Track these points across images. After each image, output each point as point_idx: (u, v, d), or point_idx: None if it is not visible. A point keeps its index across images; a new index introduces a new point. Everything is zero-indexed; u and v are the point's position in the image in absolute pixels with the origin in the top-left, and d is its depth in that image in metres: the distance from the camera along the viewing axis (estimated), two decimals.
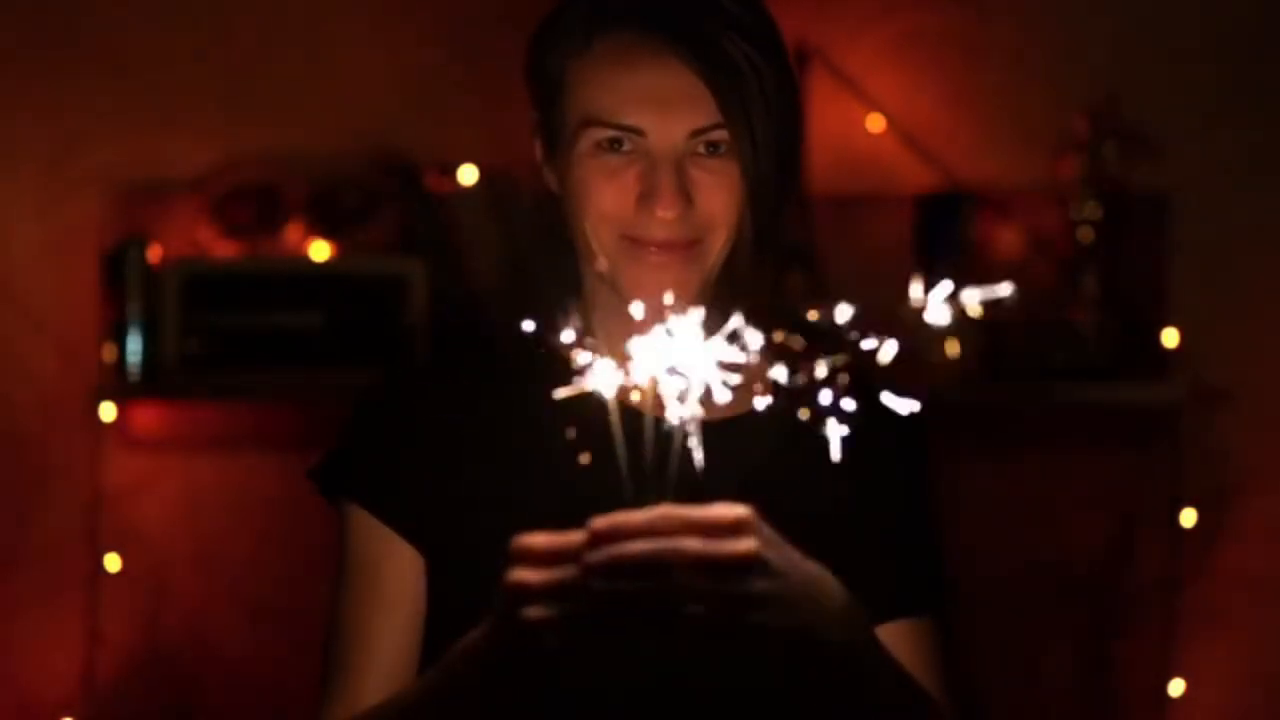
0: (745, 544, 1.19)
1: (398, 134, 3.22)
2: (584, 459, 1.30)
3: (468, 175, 3.15)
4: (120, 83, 3.21)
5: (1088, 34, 3.24)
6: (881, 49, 3.23)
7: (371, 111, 3.23)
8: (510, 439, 1.60)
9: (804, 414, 1.25)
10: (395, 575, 1.58)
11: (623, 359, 1.23)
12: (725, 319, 1.62)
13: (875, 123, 3.22)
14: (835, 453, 1.25)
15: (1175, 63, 3.22)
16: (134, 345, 3.06)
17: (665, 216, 1.53)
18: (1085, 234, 3.14)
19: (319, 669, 1.60)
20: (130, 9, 3.22)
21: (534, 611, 1.20)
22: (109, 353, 3.08)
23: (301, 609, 3.06)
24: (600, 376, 1.23)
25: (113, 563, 3.16)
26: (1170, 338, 3.15)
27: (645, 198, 1.54)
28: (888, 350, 1.27)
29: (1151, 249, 3.22)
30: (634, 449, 1.23)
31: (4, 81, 3.21)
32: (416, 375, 1.68)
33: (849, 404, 1.26)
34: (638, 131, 1.54)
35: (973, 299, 1.24)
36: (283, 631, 3.20)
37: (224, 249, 3.15)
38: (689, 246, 1.55)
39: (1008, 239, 3.23)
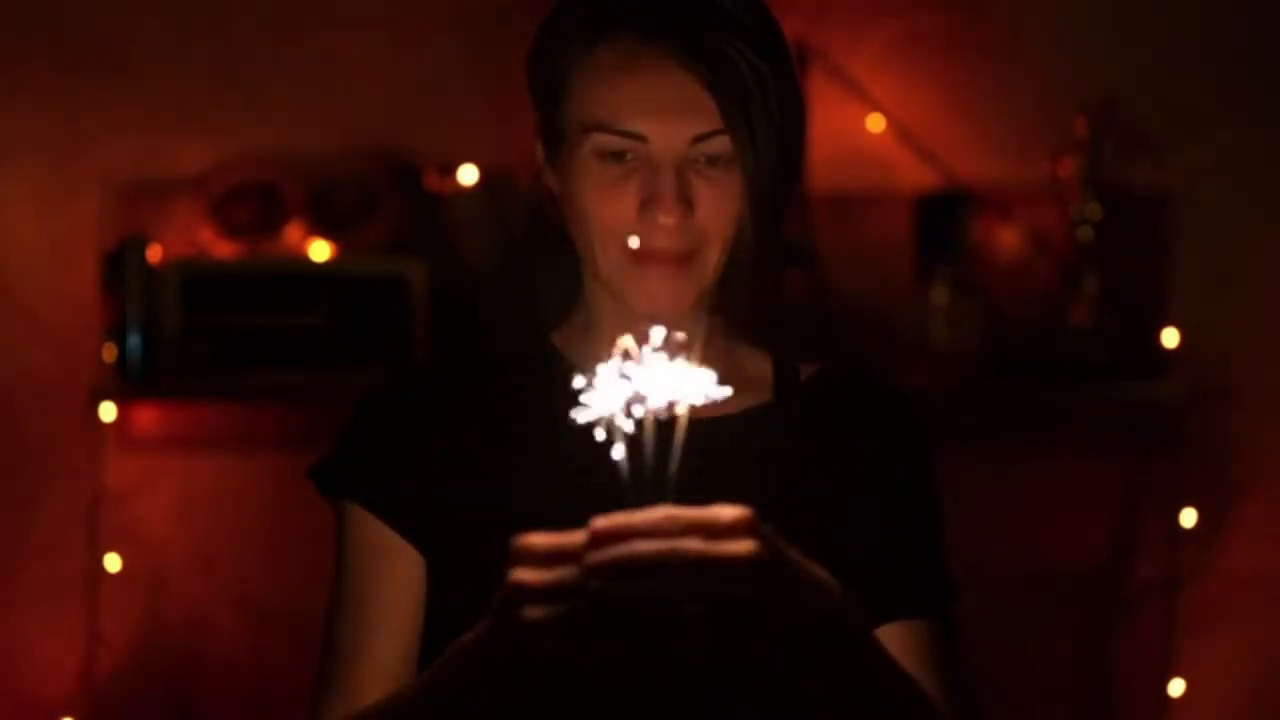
0: (745, 545, 1.19)
1: (398, 134, 3.22)
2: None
3: (468, 175, 3.15)
4: (120, 83, 3.21)
5: (1087, 34, 3.25)
6: (882, 50, 3.23)
7: (371, 111, 3.23)
8: (511, 440, 1.60)
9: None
10: (394, 575, 1.58)
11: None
12: (725, 323, 1.63)
13: (875, 123, 3.22)
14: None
15: (1175, 63, 3.22)
16: (134, 345, 3.05)
17: (666, 223, 1.53)
18: (1085, 234, 3.14)
19: (317, 668, 1.60)
20: (131, 9, 3.22)
21: (534, 611, 1.20)
22: (109, 353, 3.08)
23: (301, 609, 3.05)
24: (601, 384, 1.23)
25: (113, 563, 3.16)
26: (1170, 338, 3.15)
27: (646, 204, 1.54)
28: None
29: (1151, 249, 3.23)
30: (634, 449, 1.23)
31: (5, 81, 3.21)
32: (418, 376, 1.69)
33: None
34: (639, 137, 1.54)
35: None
36: (282, 631, 3.20)
37: (224, 249, 3.15)
38: (687, 258, 1.55)
39: (1008, 239, 3.24)
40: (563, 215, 1.60)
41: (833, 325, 3.11)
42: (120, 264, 3.06)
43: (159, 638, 3.22)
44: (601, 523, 1.18)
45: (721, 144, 1.54)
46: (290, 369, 3.07)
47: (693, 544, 1.18)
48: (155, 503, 3.22)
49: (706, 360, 1.24)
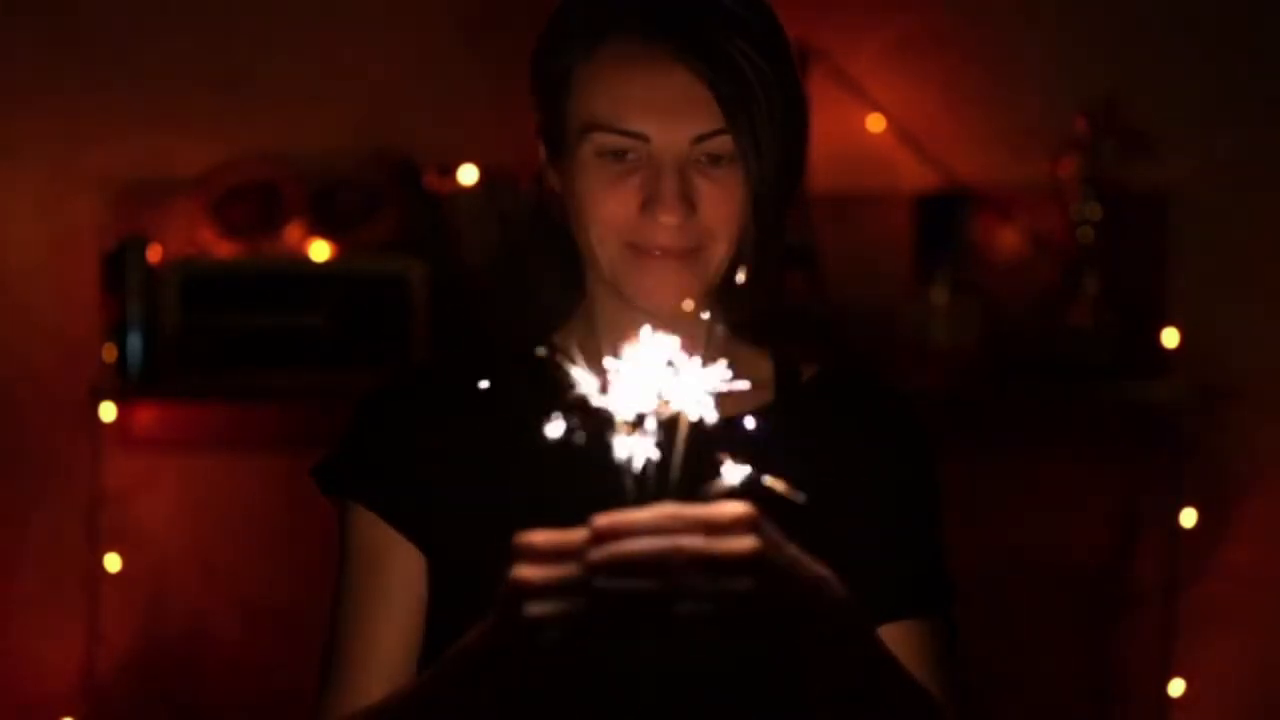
0: (747, 542, 1.19)
1: (398, 134, 3.22)
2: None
3: (468, 175, 3.15)
4: (120, 83, 3.21)
5: (1087, 34, 3.25)
6: (882, 50, 3.23)
7: (371, 111, 3.23)
8: (512, 438, 1.60)
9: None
10: (397, 573, 1.59)
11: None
12: (727, 322, 1.63)
13: (875, 123, 3.22)
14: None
15: (1175, 63, 3.23)
16: (134, 345, 3.05)
17: (668, 222, 1.53)
18: (1085, 234, 3.14)
19: (319, 668, 1.61)
20: (130, 9, 3.22)
21: (535, 608, 1.20)
22: (109, 353, 3.08)
23: (301, 609, 3.07)
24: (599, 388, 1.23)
25: (113, 563, 3.16)
26: (1170, 338, 3.15)
27: (648, 203, 1.54)
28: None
29: (1151, 249, 3.23)
30: (636, 448, 1.23)
31: (5, 81, 3.21)
32: (419, 376, 1.69)
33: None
34: (641, 137, 1.54)
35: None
36: (282, 631, 3.20)
37: (224, 249, 3.15)
38: (690, 254, 1.55)
39: (1008, 239, 3.24)
40: (565, 215, 1.61)
41: (833, 325, 3.11)
42: (120, 264, 3.06)
43: (159, 638, 3.22)
44: (603, 520, 1.18)
45: (723, 143, 1.54)
46: (290, 369, 3.07)
47: (694, 541, 1.18)
48: (155, 503, 3.22)
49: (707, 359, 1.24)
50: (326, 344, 3.07)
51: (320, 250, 3.14)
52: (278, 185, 3.16)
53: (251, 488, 3.22)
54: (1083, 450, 3.25)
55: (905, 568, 1.60)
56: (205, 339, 3.06)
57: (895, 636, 1.53)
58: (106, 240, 3.13)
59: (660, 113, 1.53)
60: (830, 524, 1.55)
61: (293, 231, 3.16)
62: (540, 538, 1.21)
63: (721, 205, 1.55)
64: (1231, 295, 3.23)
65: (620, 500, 1.20)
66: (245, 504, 3.23)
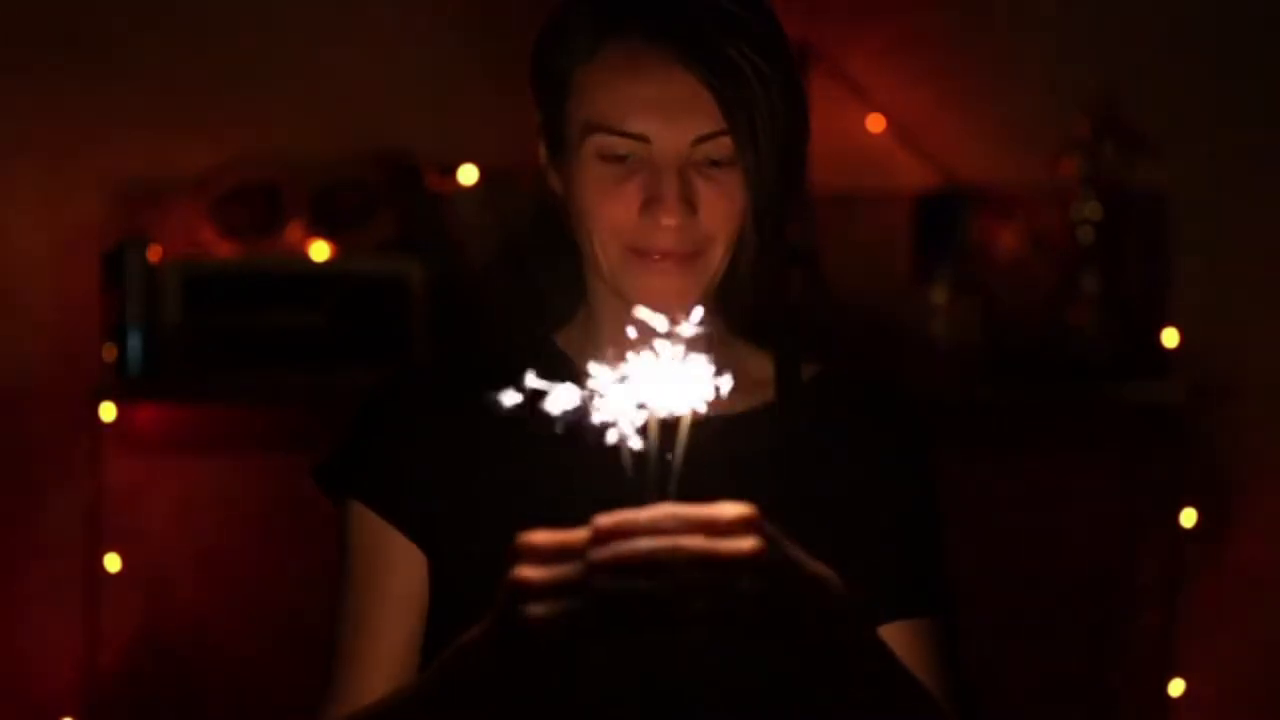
0: (749, 542, 1.19)
1: (398, 134, 3.22)
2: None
3: (468, 175, 3.15)
4: (120, 83, 3.21)
5: (1088, 34, 3.25)
6: (882, 49, 3.23)
7: (371, 111, 3.23)
8: (512, 438, 1.60)
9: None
10: (398, 573, 1.59)
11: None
12: (726, 323, 1.64)
13: (875, 122, 3.22)
14: None
15: (1175, 63, 3.23)
16: (134, 345, 3.05)
17: (668, 224, 1.54)
18: (1085, 234, 3.14)
19: (320, 668, 1.61)
20: (131, 9, 3.22)
21: (536, 609, 1.20)
22: (109, 353, 3.07)
23: (301, 609, 3.06)
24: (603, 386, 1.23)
25: (113, 563, 3.16)
26: (1170, 338, 3.15)
27: (649, 205, 1.54)
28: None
29: (1151, 249, 3.23)
30: (637, 448, 1.23)
31: (4, 81, 3.20)
32: (420, 376, 1.69)
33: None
34: (642, 139, 1.54)
35: None
36: (283, 631, 3.20)
37: (224, 249, 3.15)
38: (691, 257, 1.55)
39: (1008, 239, 3.24)
40: (566, 216, 1.61)
41: (833, 325, 3.10)
42: (120, 264, 3.06)
43: (159, 638, 3.22)
44: (604, 519, 1.18)
45: (724, 145, 1.54)
46: (290, 369, 3.07)
47: (695, 541, 1.18)
48: (155, 503, 3.22)
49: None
50: (326, 344, 3.07)
51: (320, 250, 3.14)
52: (278, 185, 3.16)
53: (251, 488, 3.22)
54: (1083, 450, 3.25)
55: (906, 567, 1.60)
56: (205, 339, 3.06)
57: (896, 636, 1.53)
58: (106, 240, 3.12)
59: (661, 114, 1.54)
60: (831, 524, 1.55)
61: (293, 231, 3.16)
62: (541, 537, 1.21)
63: (721, 206, 1.55)
64: (1231, 295, 3.23)
65: (622, 500, 1.20)
66: (245, 504, 3.23)
